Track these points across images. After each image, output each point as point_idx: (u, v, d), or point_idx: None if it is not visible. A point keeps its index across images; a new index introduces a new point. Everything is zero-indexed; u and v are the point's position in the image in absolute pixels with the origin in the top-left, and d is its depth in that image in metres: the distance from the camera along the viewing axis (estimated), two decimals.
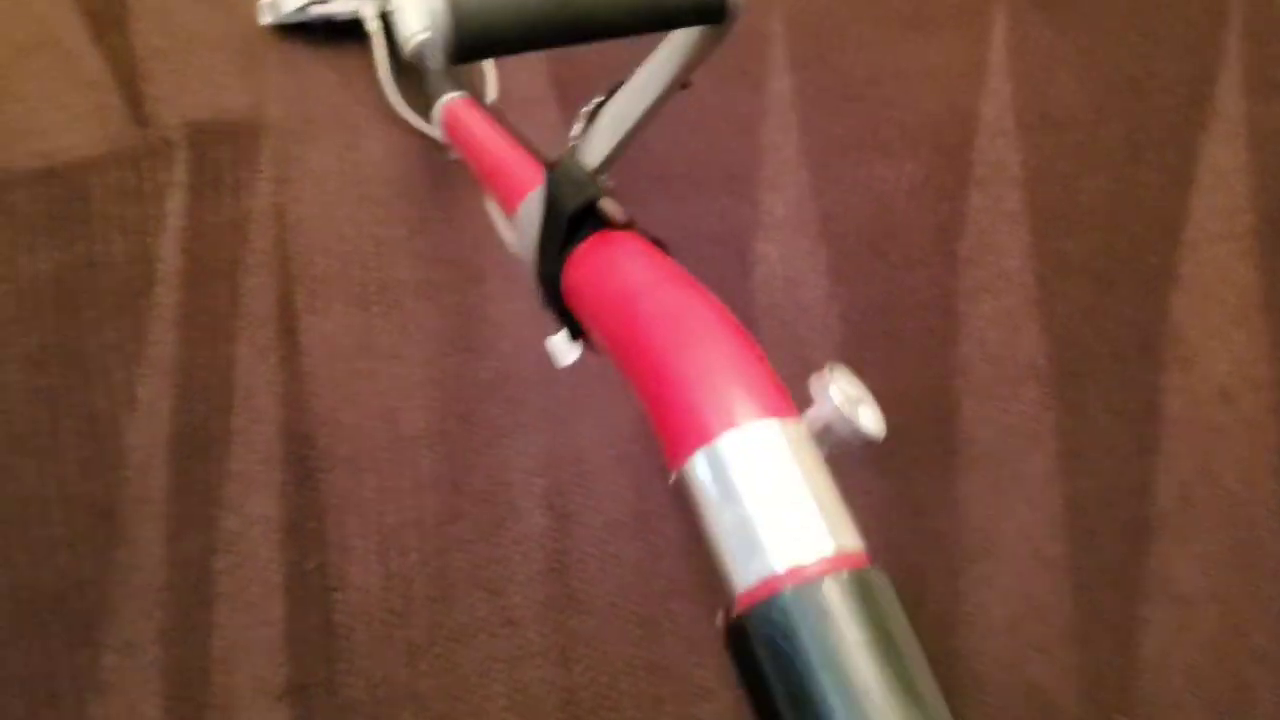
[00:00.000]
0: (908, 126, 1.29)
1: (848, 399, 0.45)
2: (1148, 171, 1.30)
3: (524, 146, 0.80)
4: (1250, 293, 1.20)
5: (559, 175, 0.61)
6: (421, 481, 0.95)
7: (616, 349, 0.52)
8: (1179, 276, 1.20)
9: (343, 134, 1.17)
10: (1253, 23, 1.46)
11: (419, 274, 1.08)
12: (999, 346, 1.12)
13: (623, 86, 0.60)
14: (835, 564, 0.37)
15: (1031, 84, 1.36)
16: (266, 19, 1.20)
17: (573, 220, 0.59)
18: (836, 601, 0.36)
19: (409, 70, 1.11)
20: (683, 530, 0.96)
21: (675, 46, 0.54)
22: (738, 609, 0.38)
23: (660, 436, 0.46)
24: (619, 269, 0.56)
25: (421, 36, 0.46)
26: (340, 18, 1.17)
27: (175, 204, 1.09)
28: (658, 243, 0.60)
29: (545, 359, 1.03)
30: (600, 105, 0.61)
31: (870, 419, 0.46)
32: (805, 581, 0.36)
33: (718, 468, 0.41)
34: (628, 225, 0.60)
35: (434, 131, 1.02)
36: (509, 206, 0.71)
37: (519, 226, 0.66)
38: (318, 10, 1.16)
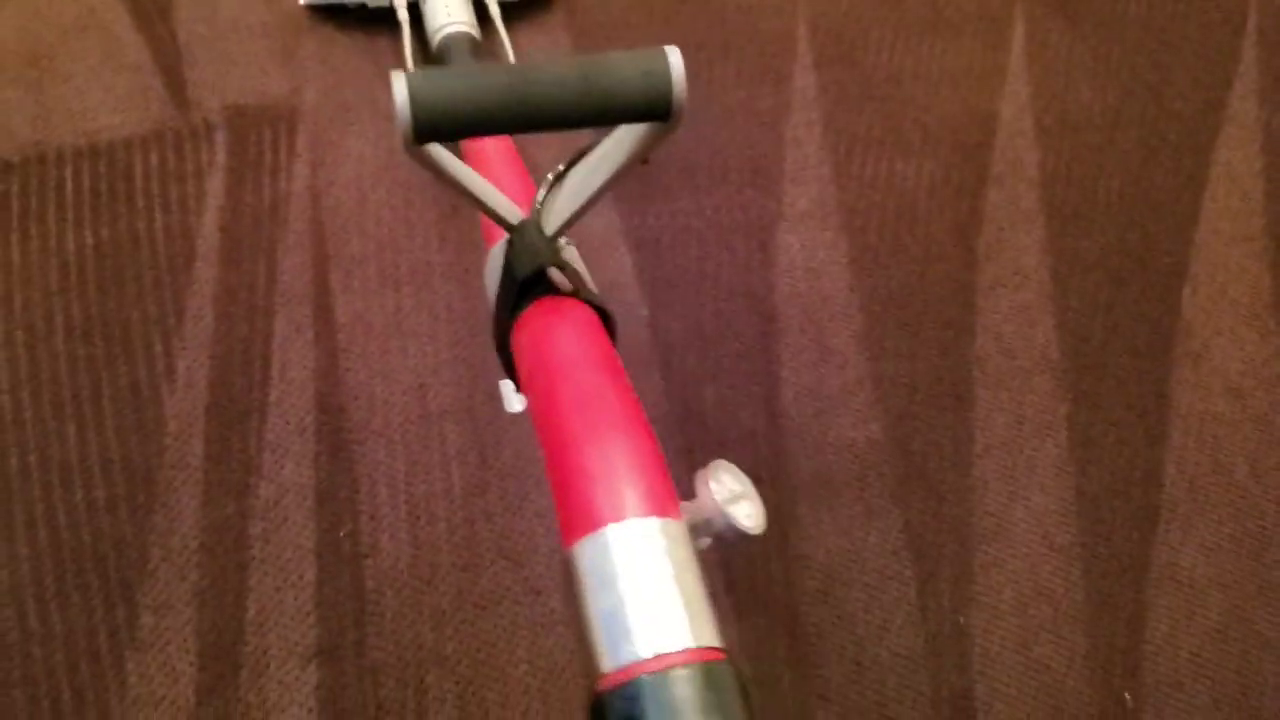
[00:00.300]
0: (928, 126, 1.32)
1: (729, 495, 0.50)
2: (1162, 173, 1.32)
3: (514, 179, 0.84)
4: (1261, 292, 1.22)
5: (517, 238, 0.64)
6: (449, 455, 0.98)
7: (535, 421, 0.56)
8: (1191, 275, 1.23)
9: (377, 121, 1.20)
10: (1269, 31, 1.49)
11: (448, 257, 1.11)
12: (1014, 339, 1.15)
13: (584, 158, 0.64)
14: (691, 657, 0.41)
15: (1050, 87, 1.39)
16: (302, 0, 1.25)
17: (523, 285, 0.63)
18: (687, 690, 0.40)
19: (435, 61, 1.14)
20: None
21: (628, 136, 0.58)
22: (601, 685, 0.41)
23: (558, 514, 0.49)
24: (549, 344, 0.59)
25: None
26: (373, 4, 1.22)
27: (215, 184, 1.12)
28: (603, 313, 0.63)
29: None
30: (564, 172, 0.65)
31: (749, 514, 0.50)
32: (662, 670, 0.40)
33: (601, 556, 0.45)
34: (574, 294, 0.63)
35: None
36: (487, 241, 0.74)
37: (489, 269, 0.69)
38: None
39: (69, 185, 1.10)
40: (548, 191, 0.66)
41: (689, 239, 1.17)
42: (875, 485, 1.03)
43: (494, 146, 0.91)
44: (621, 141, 0.59)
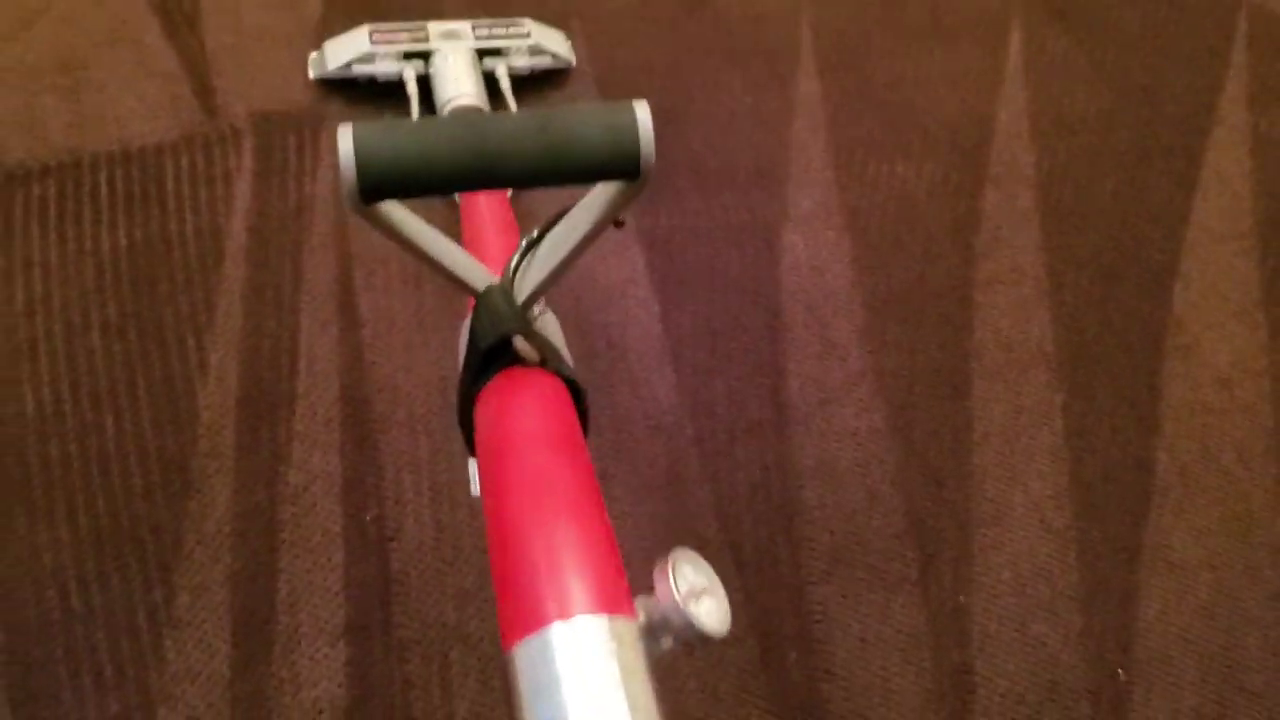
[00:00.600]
0: (927, 129, 1.37)
1: (689, 590, 0.44)
2: (1155, 175, 1.36)
3: (503, 238, 0.82)
4: (1250, 289, 1.27)
5: (483, 306, 0.60)
6: None
7: (484, 504, 0.52)
8: (1182, 272, 1.27)
9: None
10: (1258, 38, 1.54)
11: None
12: (1011, 333, 1.19)
13: (555, 227, 0.61)
14: None
15: (1046, 91, 1.44)
16: (313, 73, 1.26)
17: (487, 354, 0.59)
18: None
19: None
20: (713, 492, 1.03)
21: (597, 196, 0.55)
22: None
23: (499, 610, 0.45)
24: (505, 420, 0.56)
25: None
26: (382, 77, 1.23)
27: (243, 187, 1.17)
28: (573, 386, 0.59)
29: (585, 336, 1.11)
30: (539, 237, 0.62)
31: (712, 613, 0.44)
32: None
33: (542, 658, 0.41)
34: (541, 364, 0.59)
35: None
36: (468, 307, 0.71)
37: (460, 339, 0.66)
38: (361, 69, 1.22)
39: (103, 189, 1.14)
40: (521, 256, 0.62)
41: (698, 238, 1.22)
42: (877, 472, 1.07)
43: (486, 201, 0.90)
44: (592, 203, 0.56)
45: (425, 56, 1.22)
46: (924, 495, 1.06)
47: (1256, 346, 1.22)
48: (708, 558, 0.96)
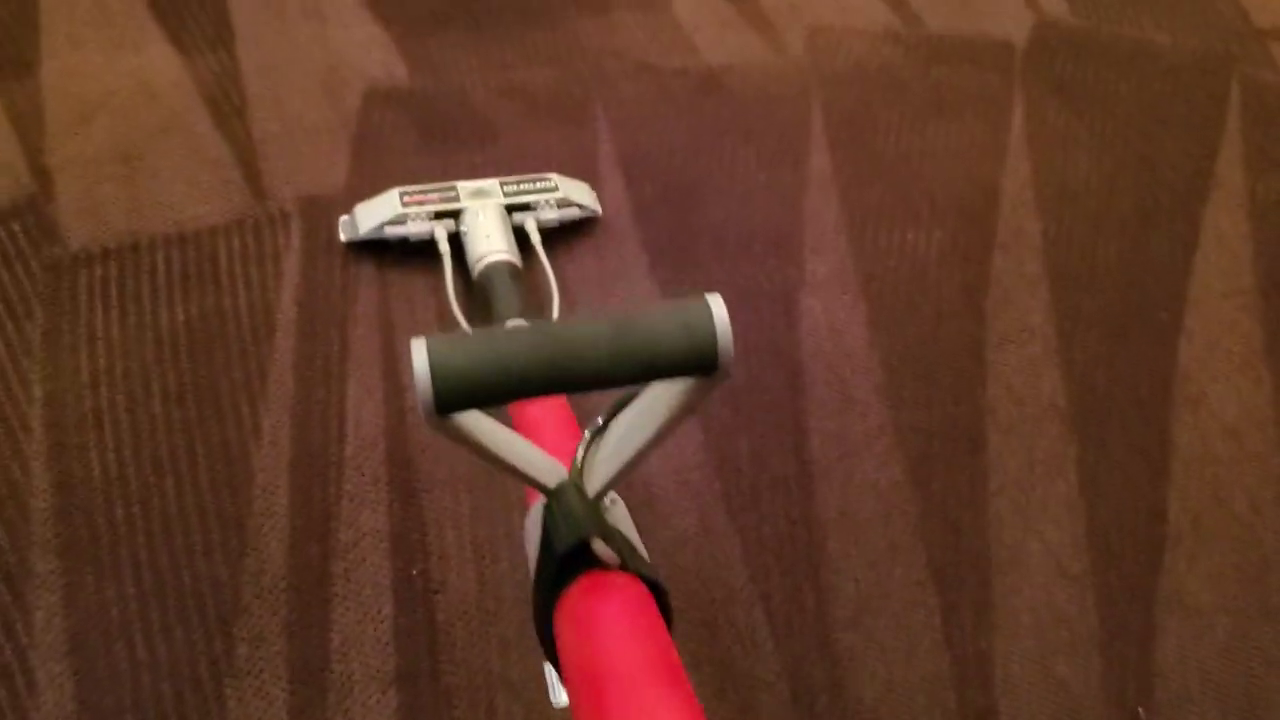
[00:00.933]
0: (936, 199, 1.44)
1: None
2: (1157, 237, 1.43)
3: (559, 427, 0.79)
4: (1253, 343, 1.32)
5: (556, 505, 0.59)
6: (510, 501, 1.08)
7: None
8: (1186, 329, 1.32)
9: None
10: (1250, 106, 1.61)
11: None
12: (1024, 389, 1.24)
13: (625, 408, 0.60)
14: None
15: (1049, 161, 1.51)
16: (344, 236, 1.26)
17: (564, 560, 0.57)
18: None
19: (478, 290, 1.18)
20: (741, 544, 1.08)
21: (671, 392, 0.54)
22: None
23: None
24: (594, 635, 0.54)
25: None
26: (415, 238, 1.23)
27: (291, 265, 1.24)
28: (654, 586, 0.57)
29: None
30: (604, 426, 0.61)
31: None
32: None
33: None
34: (622, 567, 0.57)
35: None
36: (529, 496, 0.68)
37: (528, 532, 0.64)
38: (393, 230, 1.22)
39: (161, 268, 1.22)
40: (587, 448, 0.61)
41: None
42: (899, 522, 1.12)
43: None
44: (665, 394, 0.55)
45: (455, 215, 1.24)
46: (943, 544, 1.11)
47: (1262, 398, 1.27)
48: (734, 605, 1.01)
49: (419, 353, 0.48)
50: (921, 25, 1.69)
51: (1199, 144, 1.56)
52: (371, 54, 1.50)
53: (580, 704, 0.52)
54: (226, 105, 1.41)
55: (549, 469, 0.60)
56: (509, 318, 1.08)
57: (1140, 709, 1.01)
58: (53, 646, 0.95)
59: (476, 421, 0.54)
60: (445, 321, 1.19)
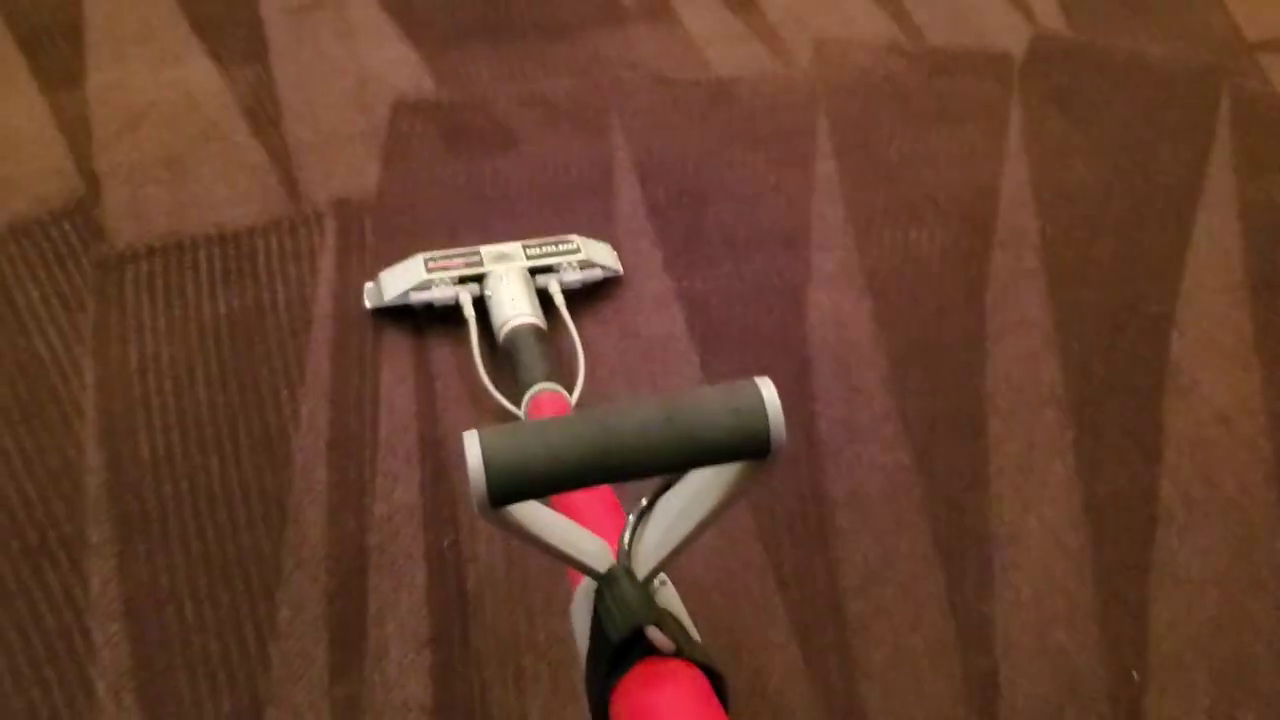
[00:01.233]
0: (938, 201, 1.50)
1: None
2: (1150, 237, 1.49)
3: (602, 508, 0.77)
4: (1243, 335, 1.38)
5: (608, 590, 0.58)
6: None
7: None
8: (1179, 321, 1.38)
9: (447, 216, 1.39)
10: (1241, 115, 1.68)
11: None
12: (1022, 378, 1.30)
13: (670, 489, 0.59)
14: None
15: (1046, 166, 1.57)
16: (370, 303, 1.27)
17: (620, 648, 0.56)
18: None
19: (502, 353, 1.18)
20: (754, 520, 1.14)
21: (721, 475, 0.54)
22: None
23: None
24: None
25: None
26: (440, 303, 1.24)
27: (326, 262, 1.31)
28: (711, 673, 0.57)
29: (632, 383, 1.22)
30: (648, 507, 0.61)
31: None
32: None
33: None
34: (677, 654, 0.56)
35: (520, 415, 1.09)
36: (572, 577, 0.67)
37: (575, 614, 0.63)
38: (418, 296, 1.23)
39: (203, 265, 1.29)
40: (634, 530, 0.60)
41: (732, 298, 1.35)
42: (904, 501, 1.17)
43: None
44: (715, 477, 0.54)
45: (479, 279, 1.25)
46: (947, 521, 1.16)
47: (1252, 386, 1.33)
48: (751, 576, 1.06)
49: (472, 447, 0.47)
50: (923, 39, 1.76)
51: (1191, 149, 1.63)
52: (399, 68, 1.58)
53: None
54: (263, 115, 1.49)
55: (597, 552, 0.59)
56: (536, 382, 1.09)
57: (1134, 672, 1.06)
58: (108, 610, 1.02)
59: (529, 512, 0.54)
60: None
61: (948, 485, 1.19)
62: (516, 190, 1.44)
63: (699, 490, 0.55)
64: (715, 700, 0.55)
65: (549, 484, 0.49)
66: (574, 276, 1.28)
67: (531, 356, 1.12)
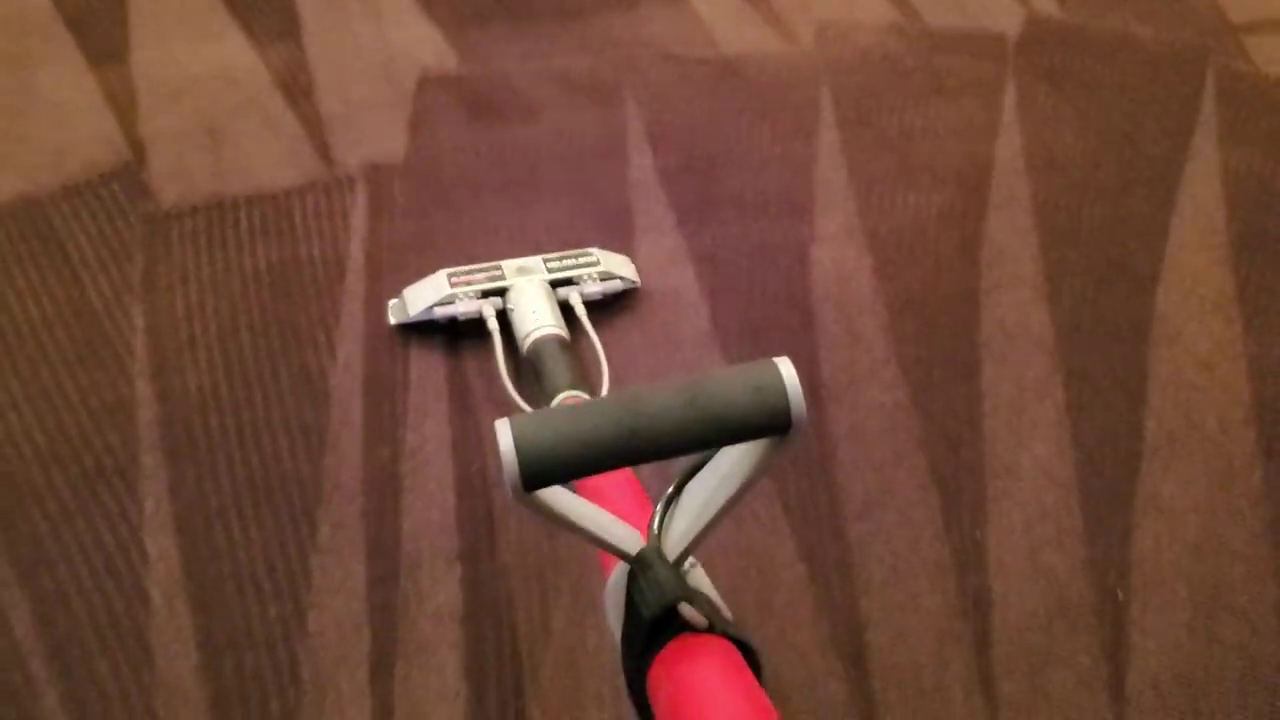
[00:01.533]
0: (935, 169, 1.58)
1: None
2: (1137, 202, 1.57)
3: (628, 494, 0.80)
4: (1226, 289, 1.45)
5: (640, 571, 0.60)
6: None
7: None
8: (1164, 278, 1.46)
9: (475, 175, 1.48)
10: (1225, 91, 1.76)
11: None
12: (1015, 327, 1.38)
13: (697, 473, 0.61)
14: None
15: (1038, 137, 1.65)
16: (394, 319, 1.29)
17: (653, 625, 0.58)
18: None
19: (526, 363, 1.21)
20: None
21: (745, 453, 0.55)
22: None
23: None
24: (693, 698, 0.54)
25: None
26: (464, 317, 1.26)
27: (358, 220, 1.40)
28: (743, 645, 0.58)
29: (645, 333, 1.30)
30: (677, 491, 0.62)
31: None
32: None
33: None
34: (709, 629, 0.58)
35: None
36: (605, 565, 0.69)
37: (609, 600, 0.65)
38: (442, 311, 1.25)
39: (243, 222, 1.38)
40: (663, 516, 0.62)
41: (740, 256, 1.43)
42: (902, 436, 1.25)
43: None
44: (739, 457, 0.56)
45: (501, 293, 1.28)
46: (943, 455, 1.24)
47: (1234, 336, 1.40)
48: (759, 502, 1.13)
49: (504, 434, 0.49)
50: (921, 21, 1.85)
51: (1177, 123, 1.71)
52: (423, 45, 1.67)
53: None
54: (296, 88, 1.57)
55: (628, 536, 0.61)
56: (561, 389, 1.11)
57: (1119, 590, 1.14)
58: (161, 527, 1.10)
59: (556, 494, 0.55)
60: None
61: (943, 423, 1.27)
62: (536, 156, 1.53)
63: (724, 471, 0.57)
64: (749, 671, 0.56)
65: (579, 466, 0.50)
66: (595, 288, 1.31)
67: (556, 365, 1.15)
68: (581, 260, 1.32)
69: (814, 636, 1.07)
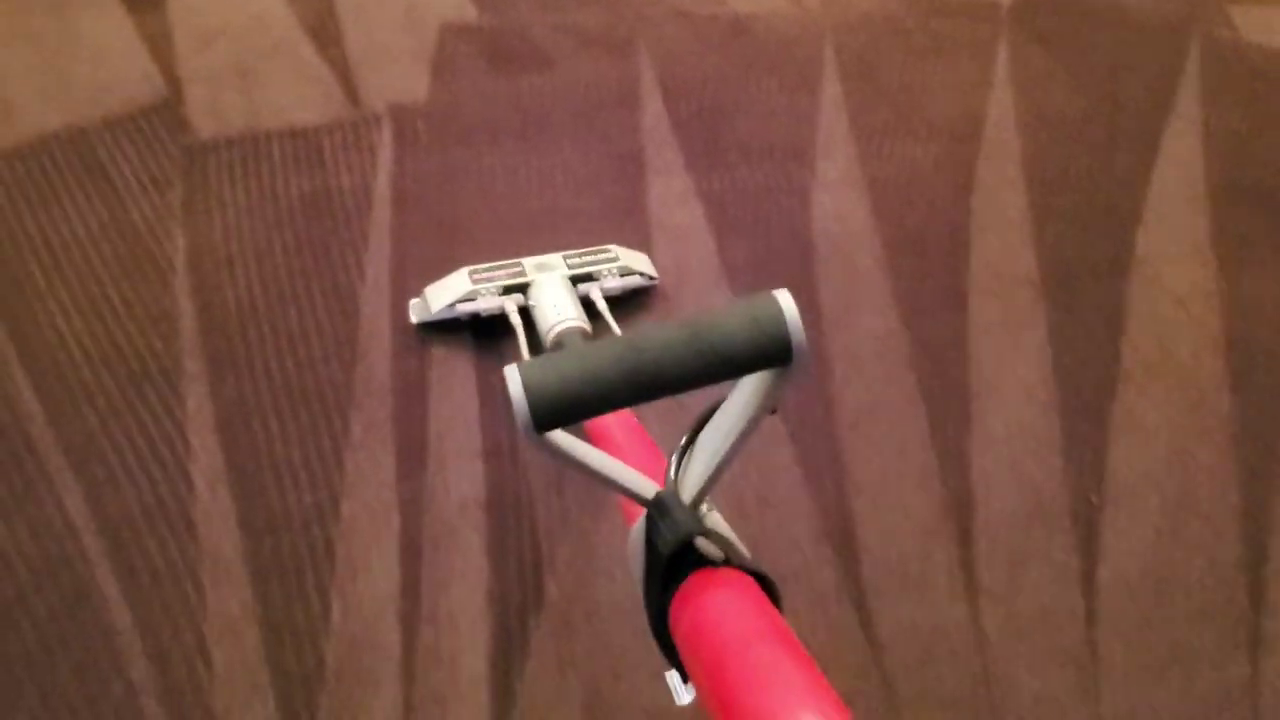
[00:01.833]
0: (931, 121, 1.67)
1: None
2: (1121, 154, 1.65)
3: (639, 447, 0.83)
4: (1202, 234, 1.54)
5: (656, 513, 0.61)
6: None
7: (710, 708, 0.53)
8: (1144, 222, 1.55)
9: (492, 117, 1.56)
10: (1208, 56, 1.84)
11: (581, 204, 1.46)
12: (1002, 264, 1.46)
13: (710, 420, 0.61)
14: None
15: (1029, 95, 1.74)
16: (416, 318, 1.30)
17: (671, 560, 0.59)
18: None
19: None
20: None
21: (750, 387, 0.56)
22: None
23: None
24: (714, 623, 0.56)
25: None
26: (486, 313, 1.27)
27: (385, 156, 1.48)
28: (760, 577, 0.59)
29: (658, 265, 1.38)
30: (692, 438, 0.63)
31: None
32: None
33: None
34: (726, 562, 0.59)
35: None
36: (627, 518, 0.71)
37: (631, 550, 0.67)
38: (464, 307, 1.26)
39: (276, 155, 1.46)
40: (680, 461, 0.63)
41: (746, 196, 1.51)
42: (893, 357, 1.33)
43: (614, 417, 0.90)
44: (746, 392, 0.57)
45: (522, 289, 1.28)
46: (931, 375, 1.32)
47: (1208, 276, 1.49)
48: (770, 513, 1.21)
49: (513, 379, 0.50)
50: None
51: (1161, 84, 1.79)
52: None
53: (705, 686, 0.53)
54: (324, 35, 1.66)
55: (644, 483, 0.63)
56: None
57: (1092, 496, 1.22)
58: (204, 423, 1.18)
59: (573, 441, 0.57)
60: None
61: (932, 346, 1.35)
62: (552, 102, 1.61)
63: (732, 410, 0.58)
64: (767, 601, 0.57)
65: (587, 406, 0.51)
66: (615, 283, 1.32)
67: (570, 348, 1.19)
68: (601, 256, 1.34)
69: (808, 530, 1.16)
